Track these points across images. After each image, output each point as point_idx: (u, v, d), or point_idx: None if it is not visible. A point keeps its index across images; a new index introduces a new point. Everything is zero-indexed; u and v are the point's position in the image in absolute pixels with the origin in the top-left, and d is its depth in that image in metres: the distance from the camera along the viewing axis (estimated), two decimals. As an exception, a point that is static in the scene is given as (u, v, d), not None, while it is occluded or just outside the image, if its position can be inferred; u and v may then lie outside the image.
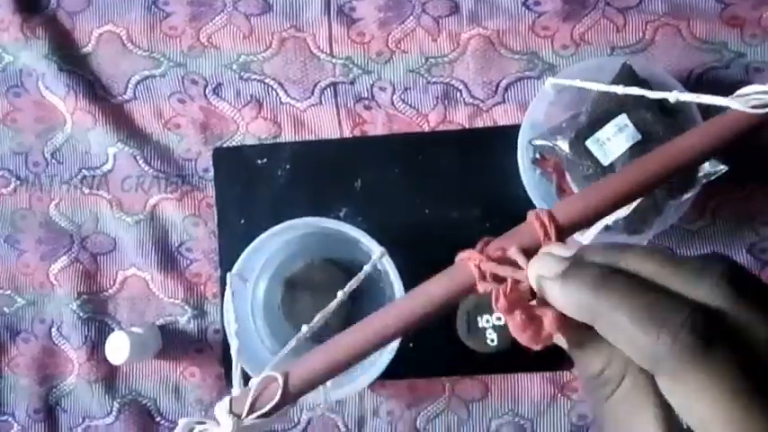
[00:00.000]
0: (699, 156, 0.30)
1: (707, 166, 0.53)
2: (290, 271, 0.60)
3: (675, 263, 0.23)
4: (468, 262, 0.27)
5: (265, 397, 0.28)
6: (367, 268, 0.43)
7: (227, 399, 0.29)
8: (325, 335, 0.58)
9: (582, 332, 0.24)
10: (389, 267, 0.54)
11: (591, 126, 0.55)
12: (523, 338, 0.24)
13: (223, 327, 0.62)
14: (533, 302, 0.25)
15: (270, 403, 0.28)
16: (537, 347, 0.25)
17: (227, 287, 0.53)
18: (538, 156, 0.59)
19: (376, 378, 0.56)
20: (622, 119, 0.54)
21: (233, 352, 0.38)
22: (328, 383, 0.55)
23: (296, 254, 0.61)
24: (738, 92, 0.31)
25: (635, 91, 0.40)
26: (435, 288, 0.28)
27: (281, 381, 0.28)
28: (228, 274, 0.52)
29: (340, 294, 0.38)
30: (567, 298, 0.24)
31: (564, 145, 0.56)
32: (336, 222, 0.56)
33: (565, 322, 0.24)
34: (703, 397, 0.20)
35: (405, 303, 0.28)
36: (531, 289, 0.25)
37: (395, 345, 0.55)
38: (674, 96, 0.40)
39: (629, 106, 0.54)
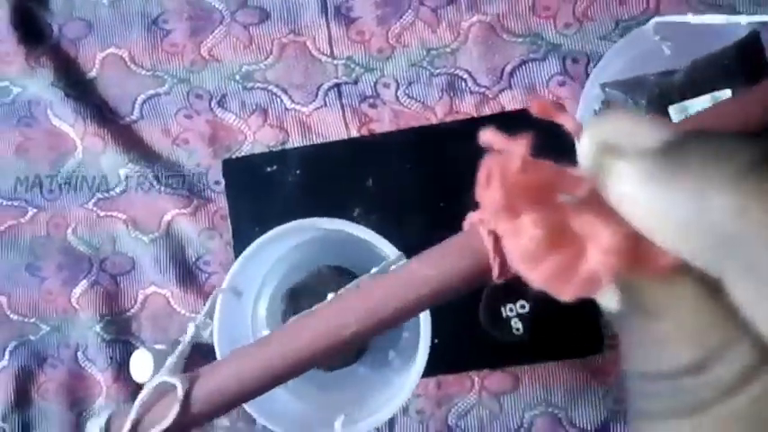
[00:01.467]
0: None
1: None
2: (294, 282, 0.55)
3: None
4: (482, 226, 0.18)
5: (156, 414, 0.21)
6: (375, 270, 0.37)
7: (106, 414, 0.22)
8: (340, 356, 0.55)
9: (671, 283, 0.12)
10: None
11: (683, 89, 0.45)
12: (541, 272, 0.13)
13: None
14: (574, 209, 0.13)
15: (159, 425, 0.20)
16: (565, 297, 0.13)
17: (216, 304, 0.48)
18: (603, 106, 0.51)
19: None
20: (725, 94, 0.43)
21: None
22: (337, 424, 0.49)
23: (301, 262, 0.56)
24: None
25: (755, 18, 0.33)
26: (428, 269, 0.19)
27: (180, 391, 0.20)
28: (217, 290, 0.48)
29: (330, 296, 0.31)
30: (668, 201, 0.11)
31: (642, 100, 0.47)
32: (343, 222, 0.49)
33: (637, 256, 0.12)
34: None
35: (379, 290, 0.20)
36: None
37: (417, 374, 0.48)
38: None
39: (740, 83, 0.43)
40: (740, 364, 0.11)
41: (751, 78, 0.42)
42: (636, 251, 0.12)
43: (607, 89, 0.50)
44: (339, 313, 0.19)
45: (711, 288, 0.12)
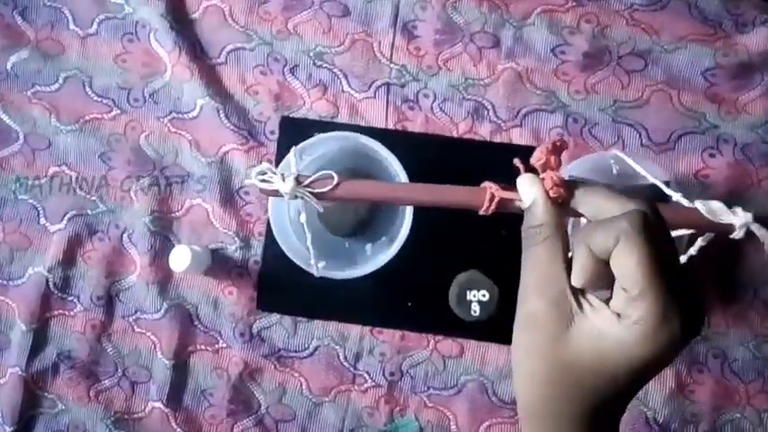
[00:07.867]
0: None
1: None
2: (339, 167, 0.71)
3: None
4: (488, 189, 0.40)
5: (318, 184, 0.43)
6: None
7: (296, 170, 0.40)
8: (341, 228, 0.74)
9: (556, 205, 0.37)
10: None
11: None
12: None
13: (263, 257, 0.76)
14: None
15: (321, 188, 0.42)
16: (536, 160, 0.40)
17: (290, 155, 0.65)
18: None
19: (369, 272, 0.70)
20: None
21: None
22: (320, 265, 0.68)
23: (334, 161, 0.74)
24: (713, 205, 0.45)
25: (663, 188, 0.53)
26: (451, 192, 0.42)
27: (335, 180, 0.43)
28: (293, 148, 0.66)
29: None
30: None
31: None
32: (379, 145, 0.70)
33: (557, 187, 0.37)
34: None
35: (426, 188, 0.43)
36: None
37: (378, 264, 0.69)
38: (676, 197, 0.51)
39: None
40: (550, 229, 0.36)
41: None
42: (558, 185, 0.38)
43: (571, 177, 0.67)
44: (410, 189, 0.45)
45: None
